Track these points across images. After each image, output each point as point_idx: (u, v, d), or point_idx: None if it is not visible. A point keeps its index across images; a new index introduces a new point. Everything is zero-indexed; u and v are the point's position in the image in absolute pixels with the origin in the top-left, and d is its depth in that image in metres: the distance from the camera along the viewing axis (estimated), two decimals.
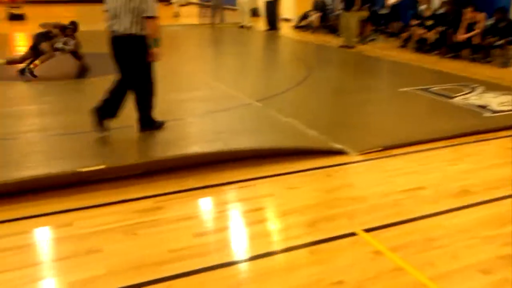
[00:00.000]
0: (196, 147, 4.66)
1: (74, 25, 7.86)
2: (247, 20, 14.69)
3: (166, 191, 3.78)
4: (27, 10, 17.60)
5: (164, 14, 17.87)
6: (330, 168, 4.29)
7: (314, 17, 13.87)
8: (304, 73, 8.26)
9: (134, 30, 4.56)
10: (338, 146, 4.67)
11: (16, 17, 16.93)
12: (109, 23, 4.65)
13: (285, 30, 14.60)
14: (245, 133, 5.15)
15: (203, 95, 6.77)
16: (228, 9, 16.21)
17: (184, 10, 18.99)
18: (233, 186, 3.92)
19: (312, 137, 4.94)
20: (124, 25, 4.55)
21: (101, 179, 3.86)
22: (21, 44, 11.84)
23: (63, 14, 19.50)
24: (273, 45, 12.68)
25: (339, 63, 9.87)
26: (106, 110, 4.78)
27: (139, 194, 3.70)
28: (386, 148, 4.70)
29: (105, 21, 4.70)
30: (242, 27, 14.66)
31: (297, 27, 14.54)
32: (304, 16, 14.48)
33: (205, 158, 4.32)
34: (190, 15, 18.15)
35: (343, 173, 4.25)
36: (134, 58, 4.69)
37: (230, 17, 15.83)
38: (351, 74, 8.76)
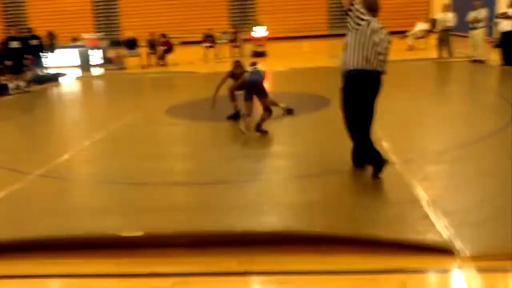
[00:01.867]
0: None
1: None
2: (480, 53, 12.70)
3: (185, 270, 3.30)
4: (269, 47, 19.02)
5: (397, 47, 17.16)
6: (410, 275, 3.11)
7: None
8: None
9: None
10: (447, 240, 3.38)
11: (259, 54, 18.45)
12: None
13: None
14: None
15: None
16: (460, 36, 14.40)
17: (422, 42, 17.64)
18: (279, 277, 3.19)
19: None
20: None
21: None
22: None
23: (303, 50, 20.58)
24: (505, 86, 10.56)
25: None
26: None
27: (155, 269, 3.31)
28: None
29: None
30: (475, 61, 12.75)
31: None
32: None
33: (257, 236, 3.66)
34: (429, 48, 16.77)
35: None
36: None
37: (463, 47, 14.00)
38: None
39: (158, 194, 4.80)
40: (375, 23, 4.54)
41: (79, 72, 16.02)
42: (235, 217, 4.05)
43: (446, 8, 14.24)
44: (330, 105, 8.11)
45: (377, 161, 4.66)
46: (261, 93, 6.75)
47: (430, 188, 4.35)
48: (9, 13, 27.77)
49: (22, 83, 12.46)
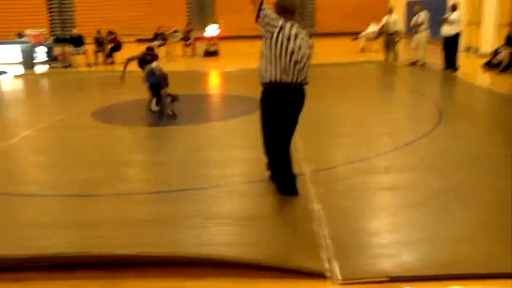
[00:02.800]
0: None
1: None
2: (420, 57, 12.76)
3: None
4: (221, 46, 18.75)
5: (350, 49, 17.18)
6: None
7: (504, 53, 11.22)
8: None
9: None
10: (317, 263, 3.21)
11: (211, 54, 18.17)
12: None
13: (469, 68, 12.23)
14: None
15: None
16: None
17: (374, 44, 17.67)
18: None
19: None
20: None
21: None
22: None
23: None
24: (439, 91, 10.61)
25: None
26: None
27: None
28: (396, 280, 3.06)
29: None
30: (413, 64, 12.81)
31: (486, 65, 11.98)
32: (495, 53, 11.87)
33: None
34: (379, 50, 16.82)
35: None
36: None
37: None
38: None
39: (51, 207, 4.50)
40: (290, 29, 4.10)
41: (21, 70, 15.41)
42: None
43: (391, 12, 14.24)
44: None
45: (285, 184, 4.35)
46: (160, 85, 8.04)
47: (324, 206, 4.16)
48: None
49: None
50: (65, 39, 16.79)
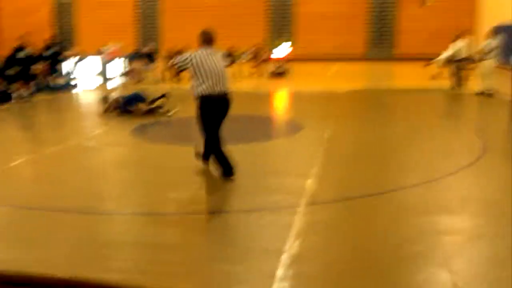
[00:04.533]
0: None
1: None
2: (487, 85, 11.74)
3: None
4: (294, 67, 18.68)
5: (425, 75, 16.26)
6: None
7: None
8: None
9: None
10: None
11: (278, 75, 18.13)
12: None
13: None
14: None
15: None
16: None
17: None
18: None
19: None
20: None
21: None
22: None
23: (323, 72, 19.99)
24: (495, 123, 9.64)
25: None
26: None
27: None
28: None
29: None
30: (481, 93, 11.83)
31: None
32: None
33: None
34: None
35: None
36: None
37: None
38: None
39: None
40: (202, 53, 5.49)
41: (95, 84, 16.33)
42: None
43: (461, 36, 13.30)
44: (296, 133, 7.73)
45: (225, 167, 5.55)
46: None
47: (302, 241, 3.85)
48: (58, 23, 29.15)
49: (25, 92, 12.77)
50: (140, 55, 17.57)
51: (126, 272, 3.41)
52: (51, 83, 14.64)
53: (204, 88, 5.40)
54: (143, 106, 10.13)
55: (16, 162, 6.57)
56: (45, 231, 4.28)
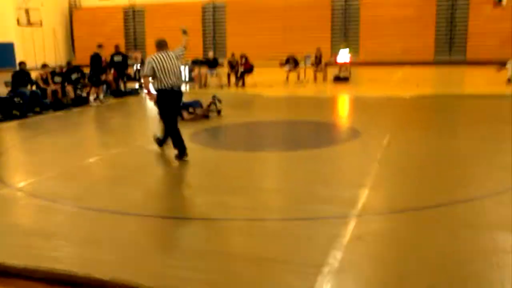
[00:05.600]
0: None
1: None
2: None
3: None
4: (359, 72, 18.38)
5: (498, 80, 15.41)
6: None
7: None
8: None
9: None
10: None
11: (341, 79, 17.92)
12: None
13: None
14: None
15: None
16: None
17: None
18: None
19: None
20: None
21: None
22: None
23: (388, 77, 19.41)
24: None
25: None
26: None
27: None
28: None
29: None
30: None
31: None
32: None
33: None
34: None
35: None
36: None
37: None
38: None
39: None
40: (162, 56, 6.65)
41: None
42: None
43: None
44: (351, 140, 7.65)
45: (180, 149, 6.75)
46: None
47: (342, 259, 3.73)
48: (130, 31, 30.40)
49: (101, 96, 13.69)
50: (202, 61, 17.96)
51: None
52: (122, 88, 15.42)
53: (164, 84, 6.58)
54: (199, 112, 10.39)
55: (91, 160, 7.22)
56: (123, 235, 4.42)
